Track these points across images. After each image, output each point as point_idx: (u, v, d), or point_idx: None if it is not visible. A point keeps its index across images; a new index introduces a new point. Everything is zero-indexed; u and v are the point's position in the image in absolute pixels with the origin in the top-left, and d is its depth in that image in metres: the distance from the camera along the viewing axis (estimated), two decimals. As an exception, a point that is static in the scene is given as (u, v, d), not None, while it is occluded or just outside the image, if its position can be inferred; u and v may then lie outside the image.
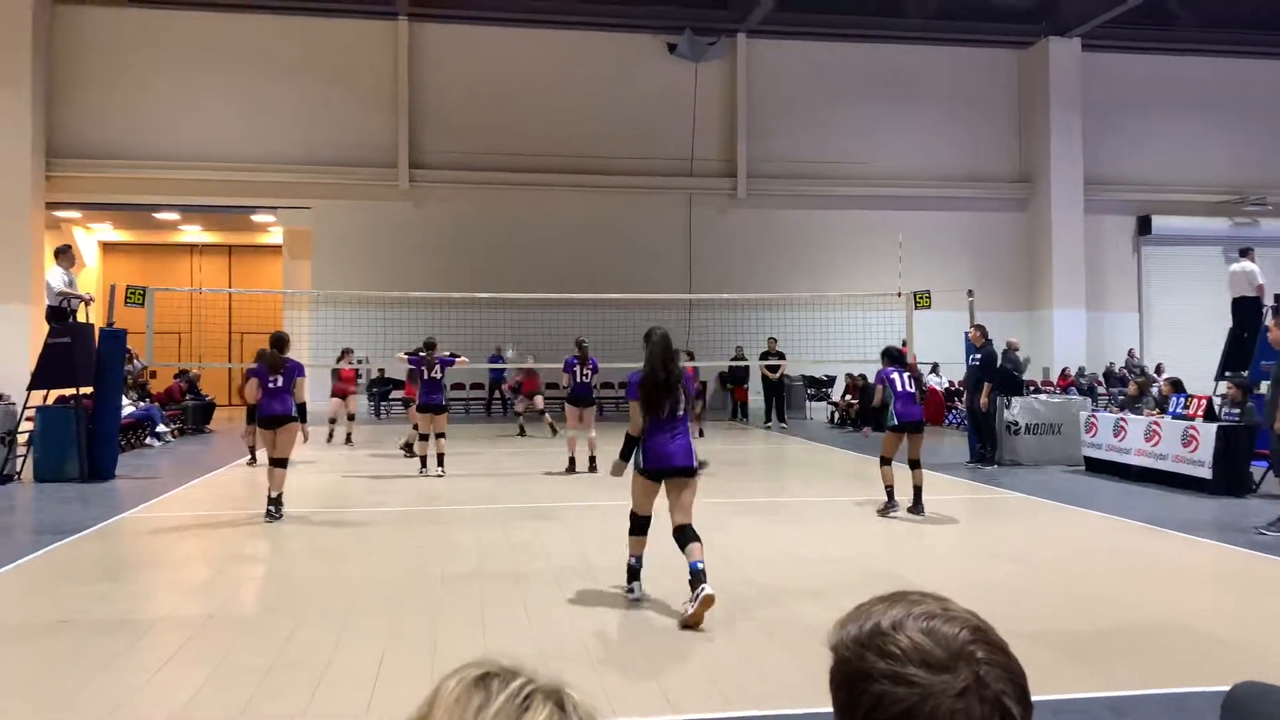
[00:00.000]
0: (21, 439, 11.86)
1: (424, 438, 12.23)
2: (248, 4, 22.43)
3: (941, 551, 7.99)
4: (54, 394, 12.36)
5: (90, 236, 25.46)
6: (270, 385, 9.10)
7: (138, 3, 22.10)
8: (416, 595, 6.21)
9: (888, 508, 9.25)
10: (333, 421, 16.31)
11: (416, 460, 12.38)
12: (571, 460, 12.24)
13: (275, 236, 25.02)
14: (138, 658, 4.95)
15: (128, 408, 14.63)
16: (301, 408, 9.13)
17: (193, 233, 26.46)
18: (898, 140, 24.66)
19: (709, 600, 5.35)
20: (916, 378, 10.17)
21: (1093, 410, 13.71)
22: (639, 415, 5.86)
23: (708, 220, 24.06)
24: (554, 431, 16.46)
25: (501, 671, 0.90)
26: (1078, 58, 24.69)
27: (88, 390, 11.97)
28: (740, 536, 8.29)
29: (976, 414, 13.13)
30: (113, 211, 23.74)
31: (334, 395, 16.34)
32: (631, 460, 6.00)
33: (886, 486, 9.30)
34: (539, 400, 17.77)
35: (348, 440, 15.94)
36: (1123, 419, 12.01)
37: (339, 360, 16.27)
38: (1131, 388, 13.50)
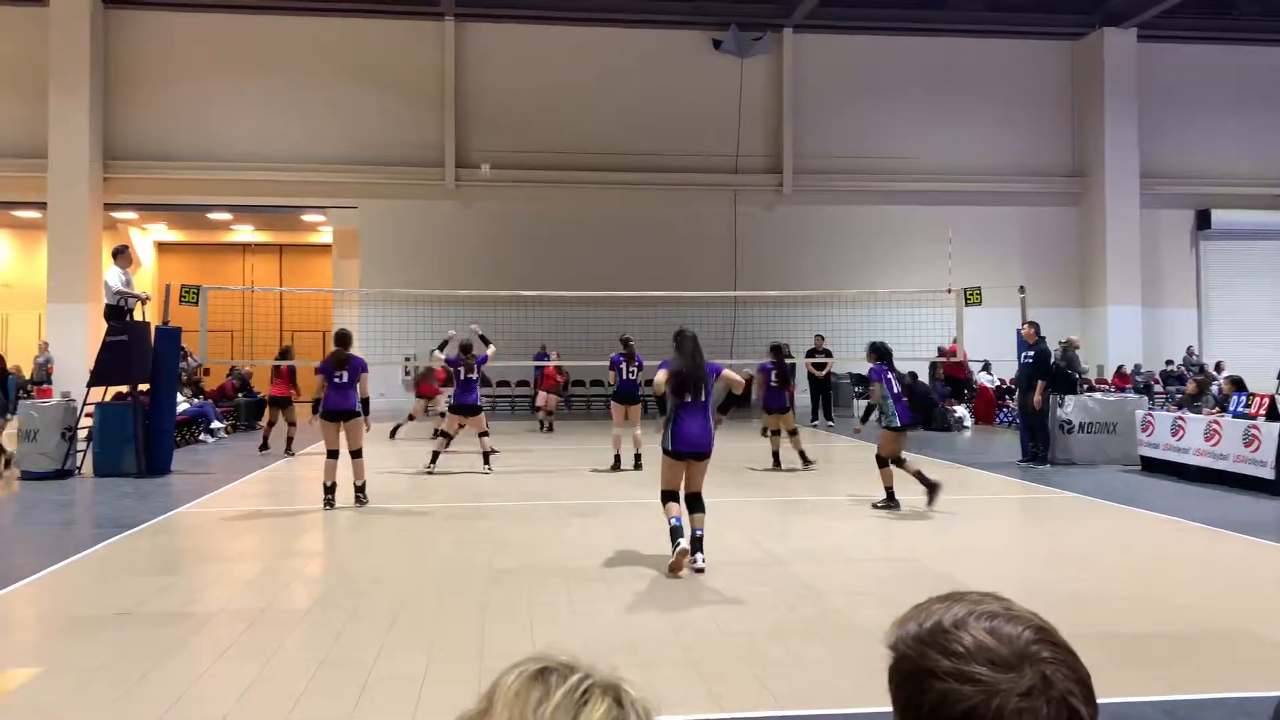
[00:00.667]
0: (81, 434, 12.16)
1: (444, 436, 12.25)
2: (296, 7, 22.76)
3: (994, 552, 7.86)
4: (112, 391, 12.64)
5: (146, 237, 26.04)
6: (336, 380, 9.50)
7: (189, 7, 22.54)
8: (464, 592, 6.24)
9: (887, 505, 9.28)
10: (411, 418, 16.23)
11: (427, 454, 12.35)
12: (616, 458, 12.21)
13: (325, 236, 25.38)
14: (195, 650, 5.03)
15: (182, 404, 14.93)
16: (365, 402, 9.58)
17: (245, 232, 26.95)
18: (947, 134, 24.31)
19: (684, 553, 6.56)
20: (900, 377, 10.21)
21: (1149, 409, 13.41)
22: (664, 383, 6.80)
23: (753, 217, 23.93)
24: (545, 428, 17.25)
25: (559, 666, 0.90)
26: (1133, 48, 24.14)
27: (144, 387, 12.23)
28: (790, 535, 8.23)
29: (1029, 412, 12.89)
30: (167, 212, 24.25)
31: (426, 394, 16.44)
32: (660, 443, 6.93)
33: (887, 487, 9.33)
34: (550, 399, 18.04)
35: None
36: (1181, 418, 11.72)
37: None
38: (1190, 386, 13.16)
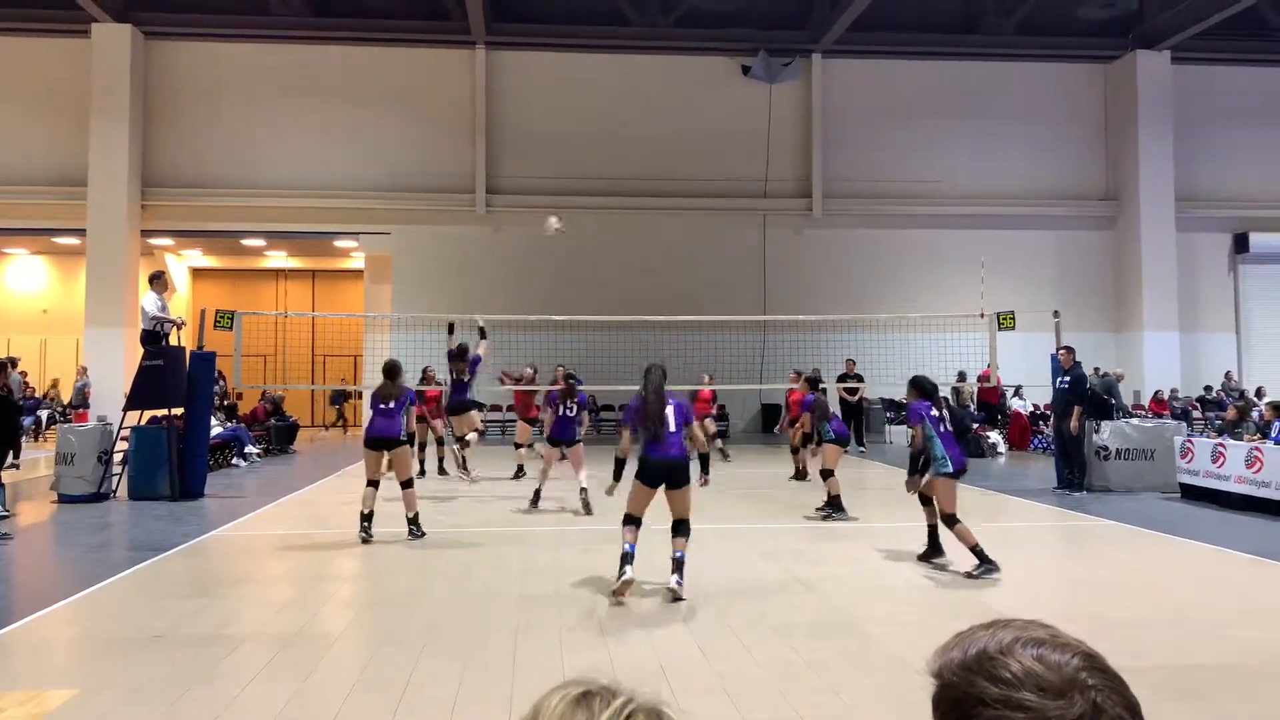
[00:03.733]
0: (117, 458, 12.29)
1: (460, 442, 12.54)
2: (330, 36, 23.13)
3: (1032, 580, 7.71)
4: (147, 414, 12.78)
5: (181, 263, 26.42)
6: (382, 408, 9.40)
7: (226, 38, 22.98)
8: (495, 615, 6.21)
9: (983, 569, 7.41)
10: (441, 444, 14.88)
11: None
12: (536, 492, 11.18)
13: (357, 261, 25.63)
14: (230, 672, 5.04)
15: (216, 428, 15.05)
16: (412, 434, 9.62)
17: (278, 258, 27.27)
18: (978, 158, 24.20)
19: (629, 585, 6.61)
20: (950, 414, 8.60)
21: (1188, 435, 13.17)
22: (627, 440, 7.10)
23: (783, 241, 23.90)
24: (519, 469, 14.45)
25: (602, 690, 0.90)
26: (1167, 70, 23.95)
27: (179, 411, 12.36)
28: (822, 562, 8.13)
29: (1065, 438, 12.72)
30: (203, 238, 24.60)
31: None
32: (631, 472, 7.05)
33: (972, 547, 7.48)
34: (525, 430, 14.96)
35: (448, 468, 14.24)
36: (1221, 444, 11.51)
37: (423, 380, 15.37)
38: (1230, 412, 12.93)
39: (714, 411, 16.97)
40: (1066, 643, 0.95)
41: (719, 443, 16.26)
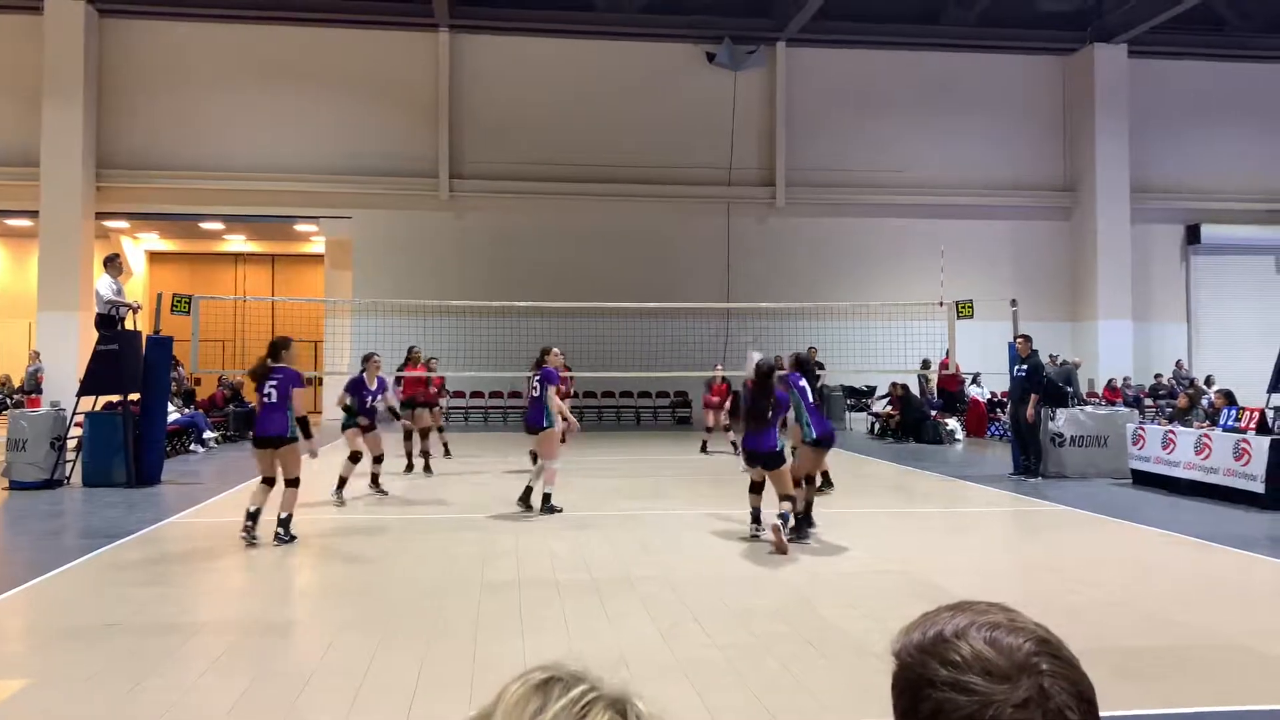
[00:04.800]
0: (71, 444, 12.08)
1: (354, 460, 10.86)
2: (291, 17, 22.76)
3: (988, 565, 7.86)
4: (102, 400, 12.57)
5: (138, 246, 25.95)
6: (264, 399, 8.08)
7: (183, 17, 22.53)
8: (456, 603, 6.21)
9: (797, 531, 8.22)
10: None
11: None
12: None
13: (317, 246, 25.33)
14: (184, 662, 4.99)
15: (173, 414, 14.84)
16: (303, 422, 8.04)
17: (237, 242, 26.87)
18: (939, 148, 24.42)
19: (773, 529, 7.85)
20: (816, 388, 9.53)
21: (1140, 422, 13.44)
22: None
23: (746, 229, 23.98)
24: (445, 450, 14.87)
25: (567, 677, 0.89)
26: (1124, 64, 24.31)
27: (135, 396, 12.16)
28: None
29: (1021, 425, 12.92)
30: (159, 221, 24.16)
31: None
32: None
33: (804, 509, 8.46)
34: (435, 413, 14.64)
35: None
36: (1171, 431, 11.76)
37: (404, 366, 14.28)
38: (1182, 400, 13.22)
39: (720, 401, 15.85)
40: (1022, 627, 0.96)
41: (731, 433, 15.70)
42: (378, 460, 11.20)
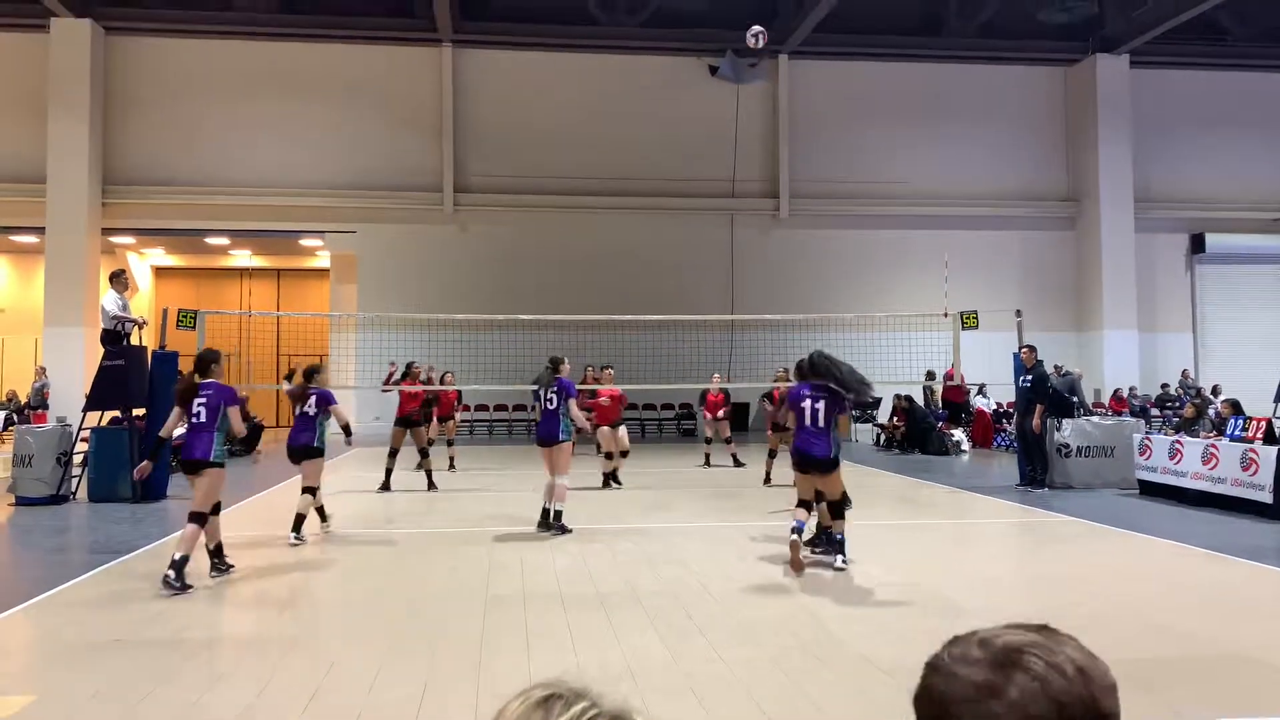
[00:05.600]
0: (77, 459, 12.09)
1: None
2: (295, 33, 22.90)
3: (995, 576, 7.82)
4: (108, 415, 12.60)
5: (143, 261, 26.04)
6: (193, 419, 7.30)
7: (189, 34, 22.66)
8: (460, 617, 6.19)
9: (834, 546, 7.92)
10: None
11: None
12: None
13: (323, 260, 25.40)
14: (190, 677, 4.98)
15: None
16: (247, 438, 7.51)
17: (242, 257, 26.95)
18: (942, 159, 24.45)
19: (791, 545, 7.54)
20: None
21: (1146, 432, 13.40)
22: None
23: (750, 241, 24.01)
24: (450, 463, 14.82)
25: (567, 694, 0.89)
26: (1126, 74, 24.34)
27: (140, 412, 12.17)
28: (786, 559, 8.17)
29: (1027, 436, 12.89)
30: (165, 237, 24.26)
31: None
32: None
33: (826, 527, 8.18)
34: (450, 426, 15.07)
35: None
36: (1178, 441, 11.72)
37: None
38: (1188, 409, 13.17)
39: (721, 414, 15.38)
40: (1060, 663, 0.95)
41: (732, 446, 15.42)
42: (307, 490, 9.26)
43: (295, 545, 8.78)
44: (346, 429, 8.87)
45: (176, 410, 7.49)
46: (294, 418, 9.16)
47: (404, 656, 5.30)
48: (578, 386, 10.93)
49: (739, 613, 6.28)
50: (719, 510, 11.01)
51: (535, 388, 9.92)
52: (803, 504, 7.85)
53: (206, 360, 7.57)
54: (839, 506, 7.71)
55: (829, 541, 8.14)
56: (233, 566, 7.54)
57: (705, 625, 5.95)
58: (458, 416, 16.15)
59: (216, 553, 7.47)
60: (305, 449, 8.99)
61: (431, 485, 12.85)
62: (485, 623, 6.03)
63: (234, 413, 7.35)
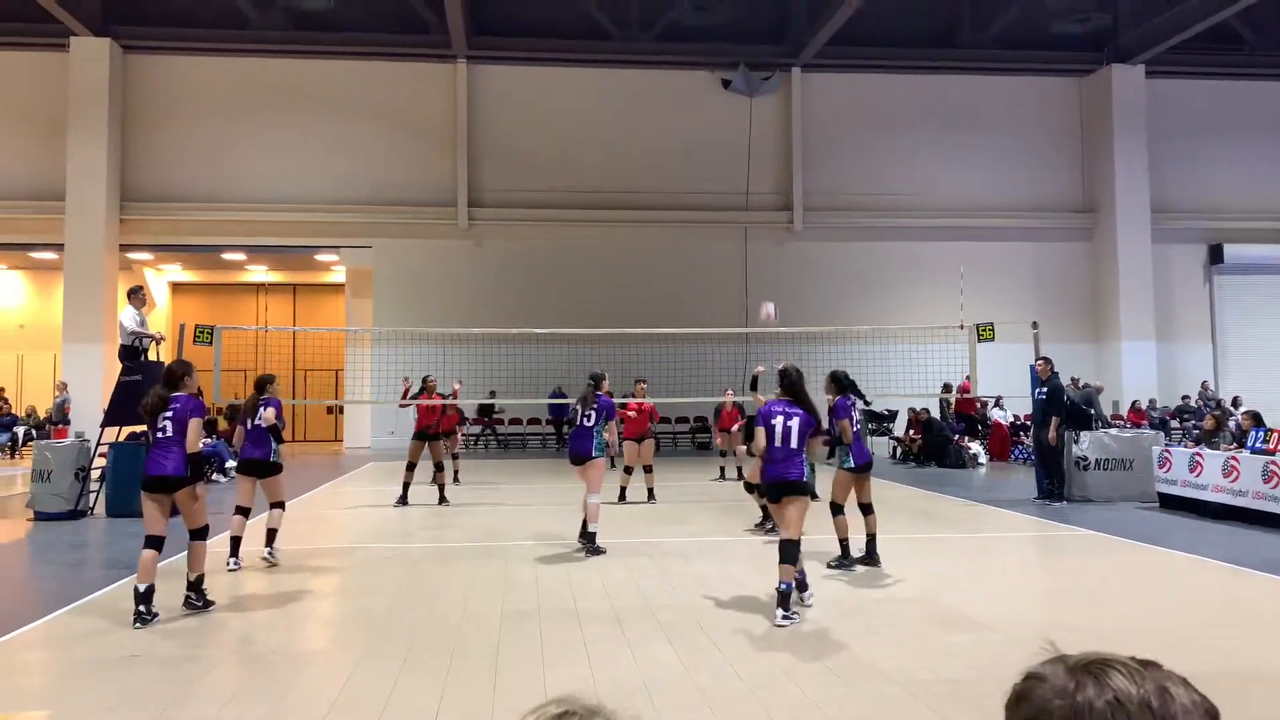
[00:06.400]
0: (95, 475, 12.16)
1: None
2: (309, 50, 23.11)
3: (1011, 591, 7.75)
4: (126, 431, 12.67)
5: (160, 277, 26.26)
6: (159, 434, 6.75)
7: (206, 51, 22.91)
8: (475, 632, 6.18)
9: (843, 562, 8.23)
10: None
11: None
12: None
13: (338, 275, 25.56)
14: (205, 693, 4.99)
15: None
16: (195, 460, 6.74)
17: (259, 272, 27.16)
18: (956, 170, 24.41)
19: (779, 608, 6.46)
20: (863, 411, 8.89)
21: (1166, 445, 13.28)
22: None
23: (764, 254, 24.01)
24: (453, 476, 14.75)
25: (581, 710, 0.89)
26: (1142, 84, 24.26)
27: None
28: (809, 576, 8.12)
29: (1044, 448, 12.79)
30: (182, 253, 24.47)
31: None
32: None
33: (842, 540, 8.27)
34: (453, 440, 14.88)
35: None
36: (1198, 454, 11.60)
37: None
38: (1208, 421, 13.03)
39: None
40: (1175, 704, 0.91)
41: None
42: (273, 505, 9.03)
43: (270, 563, 8.65)
44: (275, 432, 8.28)
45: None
46: (246, 431, 8.60)
47: (420, 671, 5.29)
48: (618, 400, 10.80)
49: (753, 626, 6.25)
50: (733, 524, 10.97)
51: (572, 402, 9.95)
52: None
53: (175, 372, 6.94)
54: (792, 549, 6.57)
55: (844, 555, 8.18)
56: (213, 604, 6.87)
57: (719, 639, 5.92)
58: (460, 432, 16.04)
59: (195, 585, 6.85)
60: (261, 464, 8.58)
61: (443, 499, 12.92)
62: (501, 637, 6.02)
63: (194, 425, 6.66)
